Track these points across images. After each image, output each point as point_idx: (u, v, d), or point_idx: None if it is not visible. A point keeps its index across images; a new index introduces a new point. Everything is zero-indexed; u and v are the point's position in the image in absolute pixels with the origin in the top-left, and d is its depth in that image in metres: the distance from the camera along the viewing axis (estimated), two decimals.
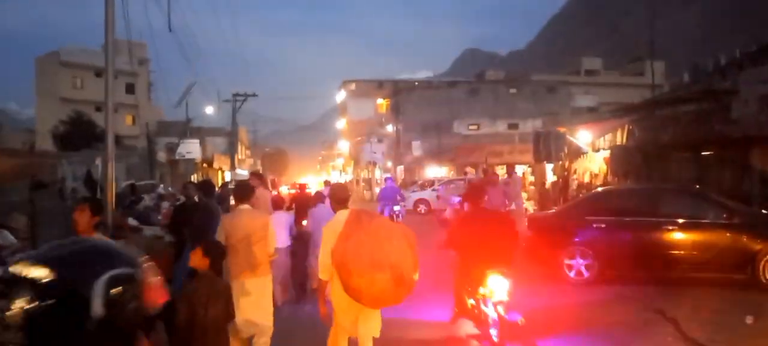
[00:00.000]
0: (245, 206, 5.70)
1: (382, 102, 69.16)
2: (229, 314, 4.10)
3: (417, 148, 50.26)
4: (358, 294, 4.13)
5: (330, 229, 4.48)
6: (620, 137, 19.88)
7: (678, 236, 8.79)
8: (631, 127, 18.43)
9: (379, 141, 56.50)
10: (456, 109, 53.73)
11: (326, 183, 19.92)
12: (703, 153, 16.09)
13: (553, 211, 10.75)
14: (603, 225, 9.17)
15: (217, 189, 22.85)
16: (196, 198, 8.15)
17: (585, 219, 9.31)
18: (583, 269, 9.22)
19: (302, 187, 14.55)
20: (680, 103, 17.19)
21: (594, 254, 9.13)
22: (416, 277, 4.31)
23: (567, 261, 9.29)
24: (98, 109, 49.77)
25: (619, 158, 18.71)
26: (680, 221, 8.84)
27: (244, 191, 5.93)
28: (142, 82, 56.26)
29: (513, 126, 53.05)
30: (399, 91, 60.72)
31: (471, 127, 53.58)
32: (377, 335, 4.69)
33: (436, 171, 47.07)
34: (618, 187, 12.34)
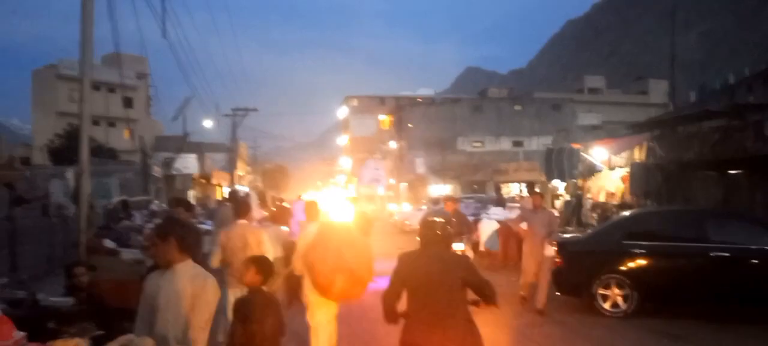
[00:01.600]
0: (242, 221, 6.16)
1: (384, 118, 68.36)
2: (282, 327, 4.20)
3: (420, 165, 49.29)
4: (324, 291, 4.98)
5: (302, 238, 5.65)
6: (638, 154, 18.91)
7: (730, 264, 7.74)
8: (651, 143, 17.46)
9: (383, 158, 55.56)
10: (460, 126, 52.94)
11: (299, 198, 20.14)
12: (730, 172, 15.10)
13: (583, 234, 9.64)
14: (643, 251, 8.12)
15: (214, 205, 21.88)
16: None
17: (622, 244, 8.26)
18: (619, 300, 8.18)
19: (280, 201, 16.55)
20: (705, 119, 16.20)
21: (632, 284, 8.09)
22: (371, 278, 5.18)
23: (601, 292, 8.25)
24: (96, 123, 48.84)
25: (639, 176, 17.70)
26: (732, 247, 7.80)
27: (241, 207, 6.38)
28: (142, 96, 55.43)
29: (517, 143, 52.22)
30: (402, 108, 59.88)
31: (475, 144, 52.75)
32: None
33: (440, 188, 46.05)
34: (659, 208, 11.21)
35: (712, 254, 7.79)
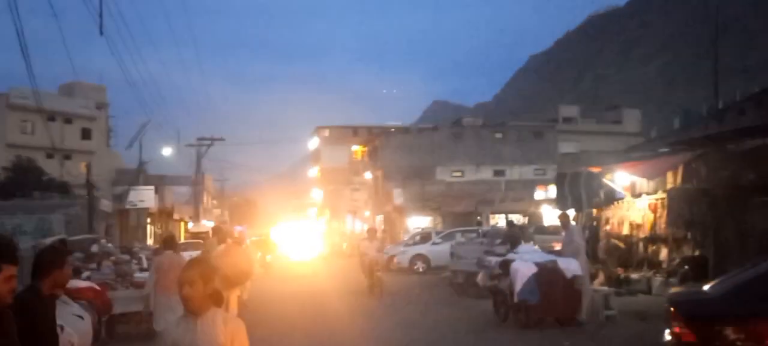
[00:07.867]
0: (169, 251, 8.99)
1: (357, 149, 65.62)
2: None
3: (398, 196, 46.43)
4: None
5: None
6: (672, 179, 16.33)
7: None
8: (694, 164, 14.86)
9: (356, 190, 52.74)
10: (438, 155, 50.49)
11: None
12: None
13: (716, 288, 6.63)
14: None
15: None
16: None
17: None
18: None
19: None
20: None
21: None
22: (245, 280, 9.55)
23: None
24: (49, 156, 45.01)
25: (679, 204, 15.09)
26: None
27: (167, 242, 9.60)
28: (101, 127, 51.78)
29: (499, 173, 49.93)
30: (375, 138, 57.19)
31: (455, 174, 50.23)
32: None
33: (418, 221, 43.25)
34: None
35: None
